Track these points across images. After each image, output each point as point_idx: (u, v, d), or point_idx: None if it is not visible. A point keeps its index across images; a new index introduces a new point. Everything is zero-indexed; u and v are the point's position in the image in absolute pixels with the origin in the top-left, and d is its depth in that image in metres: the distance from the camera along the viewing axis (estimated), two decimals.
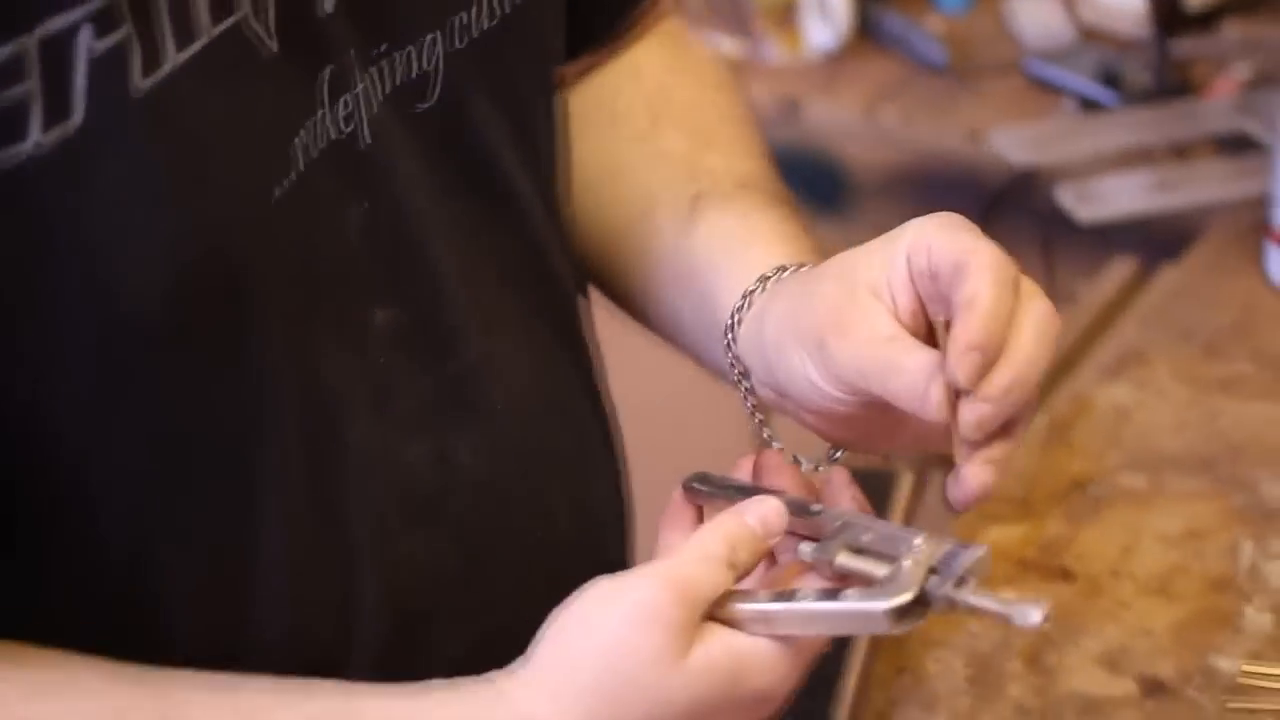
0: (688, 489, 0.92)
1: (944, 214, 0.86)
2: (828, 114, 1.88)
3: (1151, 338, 1.38)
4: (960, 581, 0.82)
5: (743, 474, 0.93)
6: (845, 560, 0.84)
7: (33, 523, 0.79)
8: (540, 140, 0.97)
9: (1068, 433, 1.28)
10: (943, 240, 0.84)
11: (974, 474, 0.84)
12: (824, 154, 1.89)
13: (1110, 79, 1.82)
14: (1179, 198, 1.62)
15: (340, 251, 0.85)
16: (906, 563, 0.82)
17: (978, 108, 1.85)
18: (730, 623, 0.83)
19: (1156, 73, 1.81)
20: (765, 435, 0.96)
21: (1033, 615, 0.81)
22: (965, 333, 0.81)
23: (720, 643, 0.82)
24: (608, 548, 1.03)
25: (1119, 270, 1.47)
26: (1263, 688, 1.08)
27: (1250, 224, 1.48)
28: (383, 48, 0.85)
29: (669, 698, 0.81)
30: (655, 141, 1.04)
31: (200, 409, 0.80)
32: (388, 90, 0.86)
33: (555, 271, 0.99)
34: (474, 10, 0.89)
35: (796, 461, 0.94)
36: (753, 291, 0.94)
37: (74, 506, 0.80)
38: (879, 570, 0.83)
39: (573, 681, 0.81)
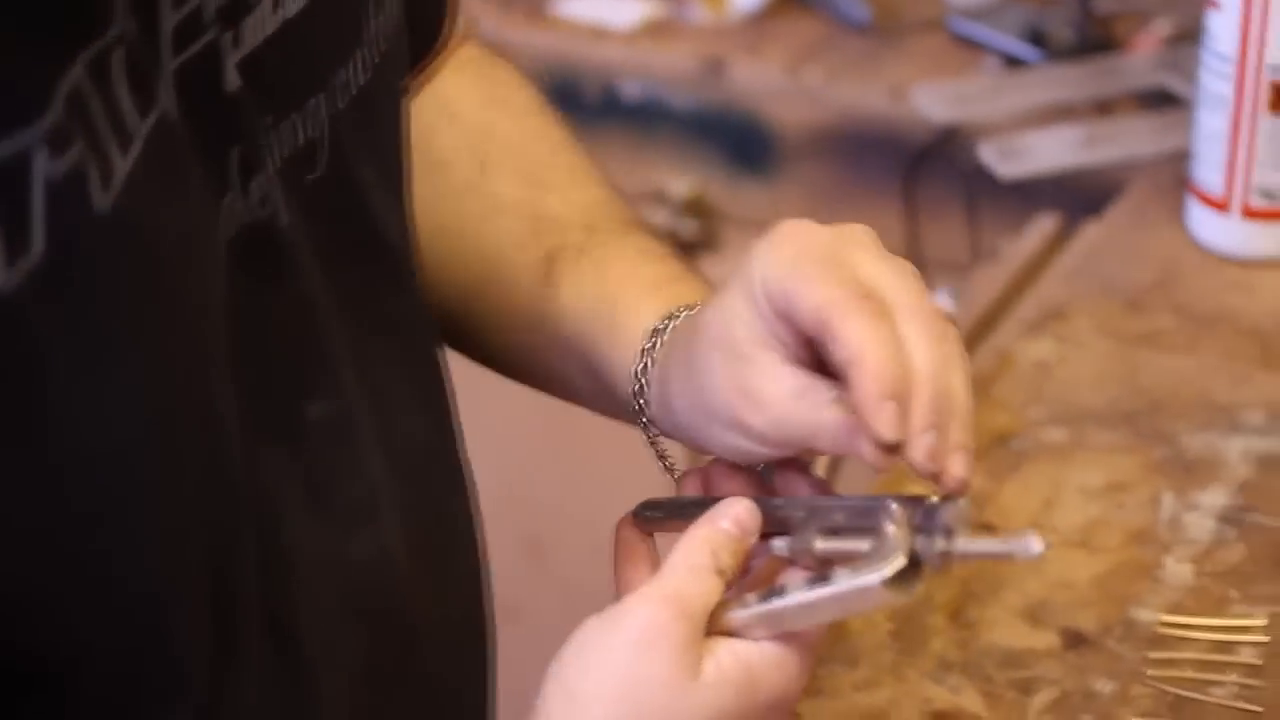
0: (638, 519, 0.91)
1: (786, 241, 0.82)
2: (752, 74, 1.88)
3: (1073, 293, 1.38)
4: (948, 534, 0.80)
5: (690, 490, 0.91)
6: (824, 545, 0.83)
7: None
8: (408, 197, 0.91)
9: (989, 388, 1.28)
10: (795, 292, 0.81)
11: (953, 473, 0.82)
12: (749, 115, 1.89)
13: (1033, 36, 1.82)
14: (1101, 153, 1.62)
15: (270, 346, 0.78)
16: (889, 529, 0.80)
17: (901, 66, 1.84)
18: (729, 633, 0.82)
19: (1079, 29, 1.81)
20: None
21: (1034, 546, 0.79)
22: (865, 397, 0.79)
23: (729, 653, 0.80)
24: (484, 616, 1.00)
25: (1041, 226, 1.48)
26: (1182, 638, 1.08)
27: (1172, 179, 1.49)
28: (270, 119, 0.78)
29: (693, 718, 0.79)
30: (488, 191, 0.99)
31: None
32: (279, 164, 0.78)
33: (433, 337, 0.94)
34: (352, 66, 0.83)
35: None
36: (648, 354, 0.91)
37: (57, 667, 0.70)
38: (862, 545, 0.81)
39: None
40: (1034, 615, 1.11)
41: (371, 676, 0.86)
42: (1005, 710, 1.05)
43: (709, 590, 0.81)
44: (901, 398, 0.79)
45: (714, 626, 0.81)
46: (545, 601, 1.57)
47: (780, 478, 0.89)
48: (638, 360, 0.92)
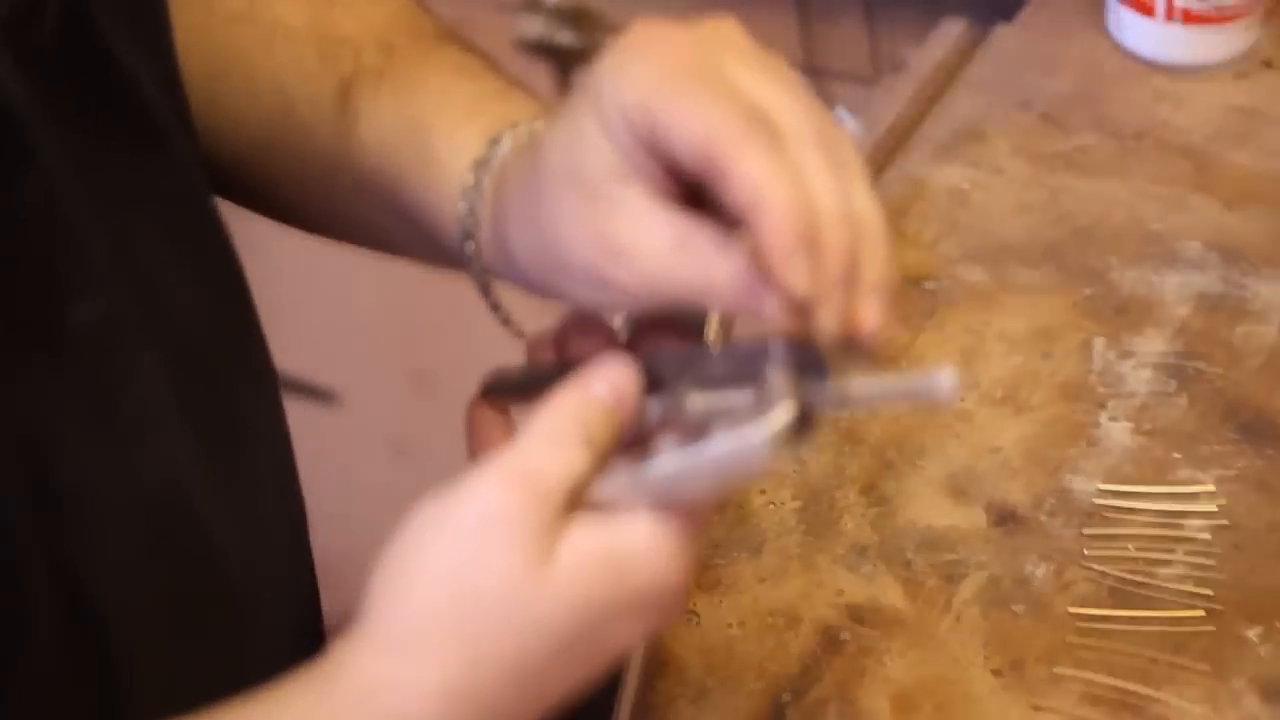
0: (489, 395, 0.78)
1: (643, 50, 0.69)
2: None
3: (987, 109, 1.25)
4: (842, 376, 0.68)
5: (542, 356, 0.78)
6: (700, 401, 0.71)
7: None
8: (165, 40, 0.78)
9: (900, 221, 1.15)
10: (667, 119, 0.67)
11: (866, 321, 0.68)
12: None
13: None
14: None
15: (12, 245, 0.68)
16: (773, 376, 0.67)
17: None
18: (599, 509, 0.69)
19: None
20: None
21: (944, 382, 0.67)
22: (774, 245, 0.66)
23: (588, 535, 0.68)
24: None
25: (948, 33, 1.33)
26: (1120, 511, 0.97)
27: None
28: None
29: (542, 614, 0.66)
30: (262, 16, 0.84)
31: None
32: None
33: (208, 202, 0.81)
34: None
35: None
36: (473, 193, 0.77)
37: None
38: (744, 398, 0.69)
39: (421, 626, 0.67)
40: (957, 488, 0.99)
41: (178, 622, 0.73)
42: (926, 600, 0.94)
43: (573, 465, 0.68)
44: (811, 245, 0.66)
45: (585, 506, 0.69)
46: (435, 438, 1.49)
47: (644, 336, 0.76)
48: (461, 200, 0.77)
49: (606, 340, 0.76)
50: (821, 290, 0.66)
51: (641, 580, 0.68)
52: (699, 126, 0.67)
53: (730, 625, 0.94)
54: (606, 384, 0.71)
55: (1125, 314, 1.08)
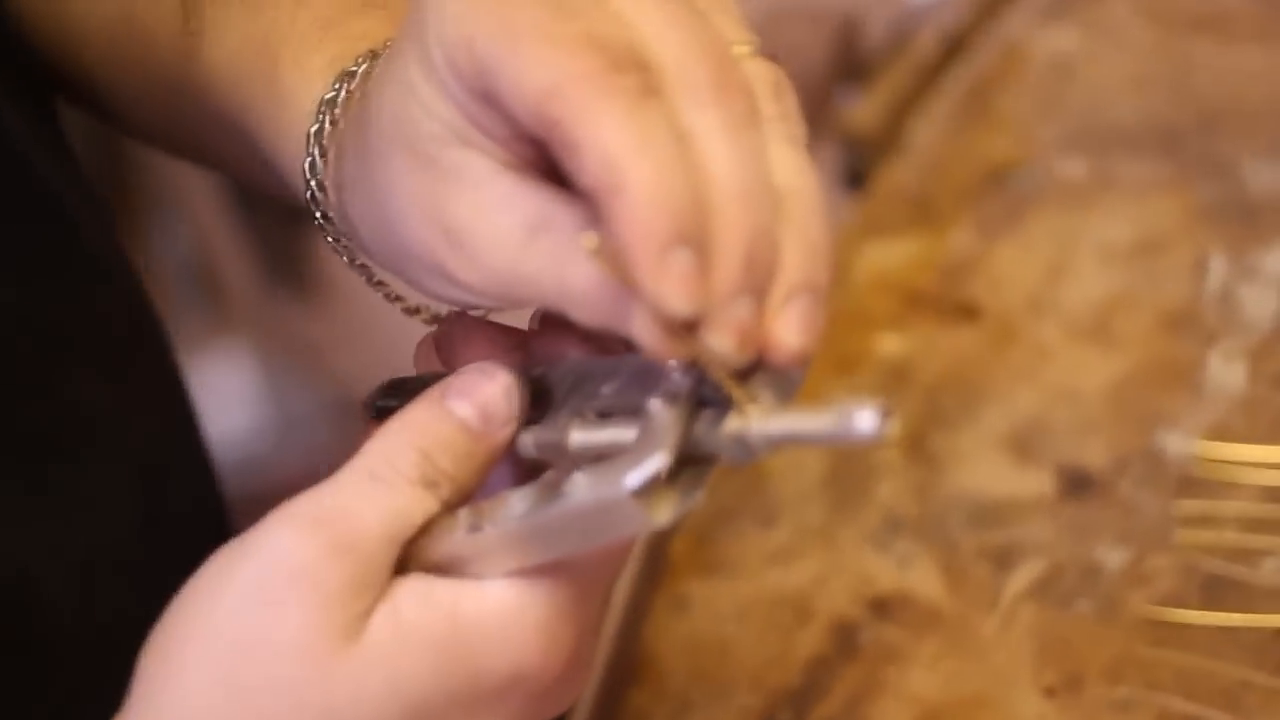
0: (376, 410, 0.61)
1: None
2: None
3: None
4: (745, 405, 0.50)
5: (426, 363, 0.61)
6: (582, 437, 0.54)
7: None
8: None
9: (989, 100, 0.96)
10: (497, 64, 0.50)
11: (782, 339, 0.50)
12: None
13: None
14: None
15: None
16: (654, 408, 0.51)
17: None
18: (440, 570, 0.53)
19: None
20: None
21: (864, 423, 0.47)
22: (635, 243, 0.48)
23: (417, 602, 0.52)
24: None
25: None
26: (1224, 482, 0.77)
27: None
28: None
29: (345, 704, 0.51)
30: None
31: None
32: None
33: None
34: None
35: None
36: (316, 140, 0.60)
37: None
38: (627, 435, 0.52)
39: (185, 706, 0.52)
40: (1021, 445, 0.80)
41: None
42: (970, 592, 0.76)
43: (401, 509, 0.52)
44: (695, 238, 0.48)
45: (423, 560, 0.53)
46: None
47: (539, 340, 0.59)
48: (306, 149, 0.60)
49: (505, 345, 0.59)
50: (710, 302, 0.48)
51: (493, 663, 0.52)
52: (536, 75, 0.49)
53: (726, 619, 0.77)
54: (470, 402, 0.54)
55: (1253, 223, 0.88)
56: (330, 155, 0.59)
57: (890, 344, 0.86)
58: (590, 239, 0.48)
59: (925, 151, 0.96)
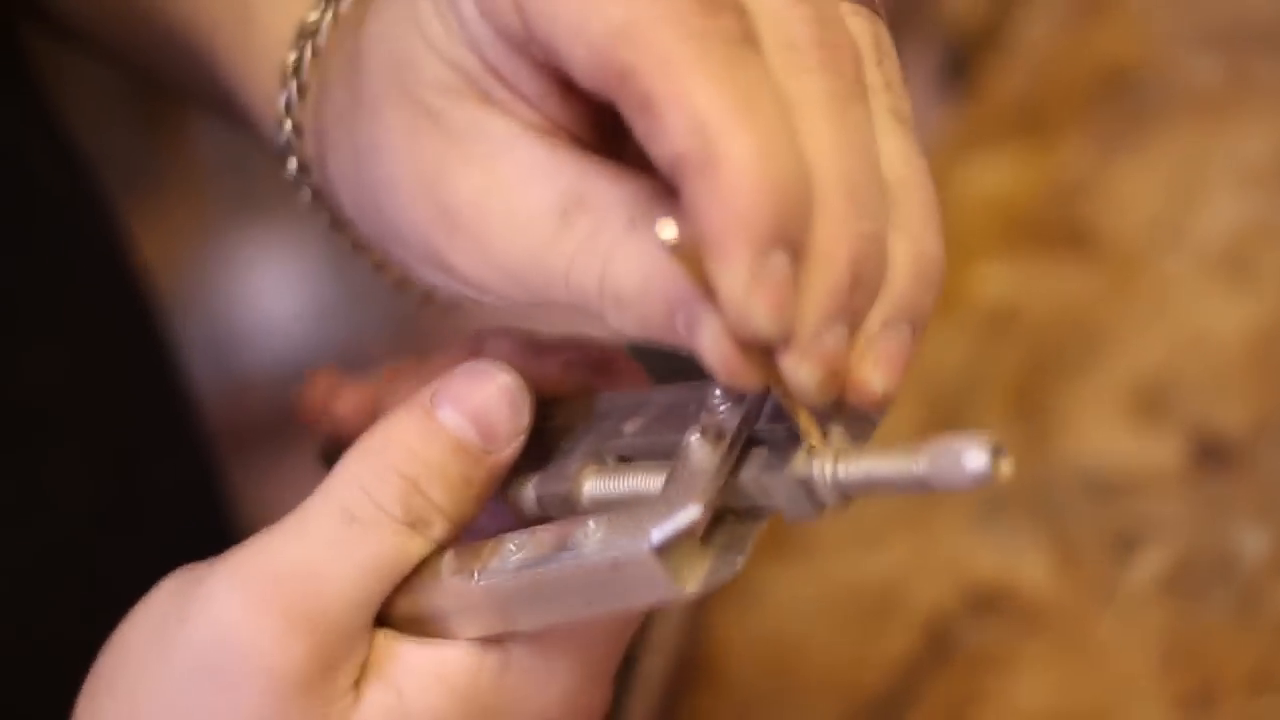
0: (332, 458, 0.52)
1: None
2: None
3: None
4: (816, 446, 0.40)
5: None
6: (598, 487, 0.44)
7: None
8: None
9: None
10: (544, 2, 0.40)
11: (869, 379, 0.40)
12: None
13: None
14: None
15: None
16: (694, 444, 0.41)
17: None
18: (414, 623, 0.45)
19: None
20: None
21: (971, 464, 0.37)
22: (721, 240, 0.38)
23: (424, 681, 0.43)
24: None
25: None
26: None
27: None
28: None
29: None
30: None
31: None
32: None
33: None
34: None
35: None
36: (291, 82, 0.49)
37: None
38: (656, 481, 0.43)
39: None
40: (1144, 403, 0.70)
41: None
42: (1085, 585, 0.66)
43: (383, 561, 0.43)
44: (798, 241, 0.39)
45: (394, 614, 0.44)
46: None
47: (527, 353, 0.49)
48: (282, 83, 0.50)
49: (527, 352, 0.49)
50: (800, 323, 0.39)
51: None
52: (606, 11, 0.39)
53: (798, 613, 0.67)
54: (464, 412, 0.44)
55: None
56: (311, 93, 0.48)
57: (990, 281, 0.76)
58: (669, 228, 0.37)
59: (1034, 50, 0.85)
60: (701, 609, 0.68)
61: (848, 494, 0.39)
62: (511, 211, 0.41)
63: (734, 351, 0.38)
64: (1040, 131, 0.81)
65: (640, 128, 0.39)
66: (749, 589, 0.68)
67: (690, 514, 0.39)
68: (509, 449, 0.44)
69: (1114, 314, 0.73)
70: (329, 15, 0.48)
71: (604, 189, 0.41)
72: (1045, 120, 0.81)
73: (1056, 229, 0.77)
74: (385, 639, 0.43)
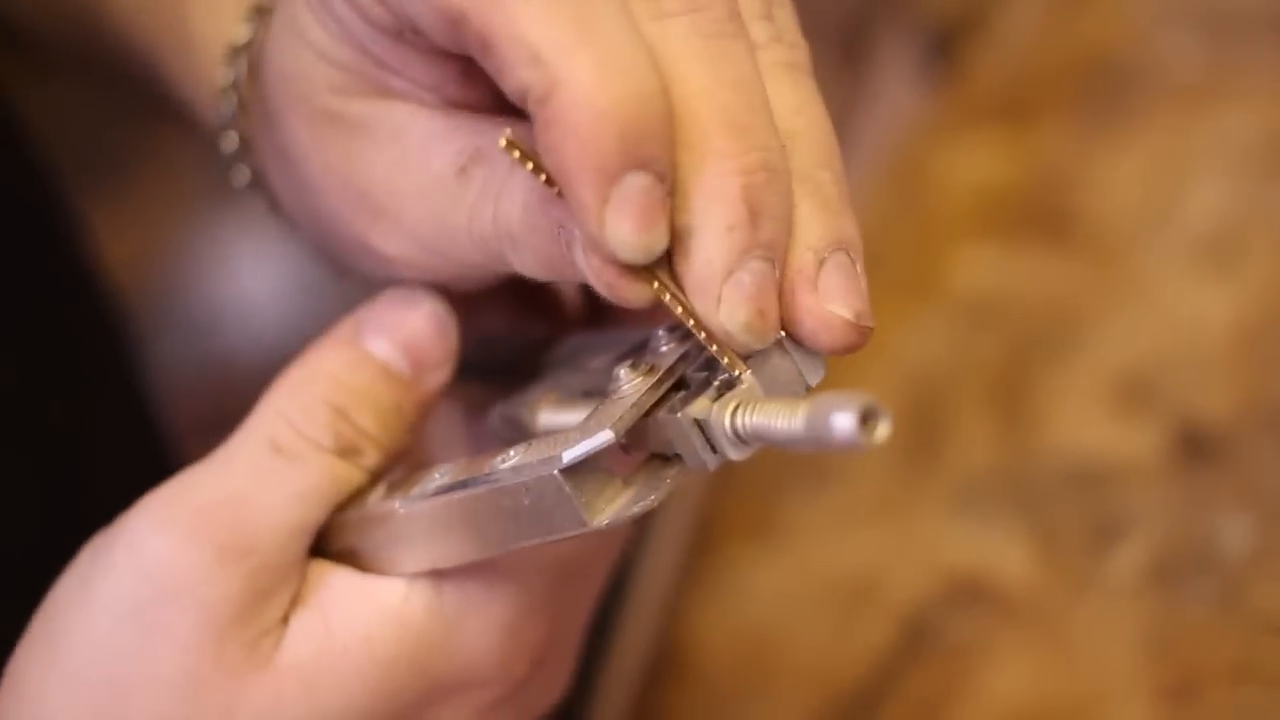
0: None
1: None
2: None
3: None
4: (727, 386, 0.40)
5: None
6: (551, 417, 0.45)
7: None
8: None
9: None
10: None
11: (827, 309, 0.40)
12: None
13: None
14: None
15: None
16: (623, 377, 0.41)
17: None
18: (353, 557, 0.44)
19: None
20: None
21: (841, 423, 0.37)
22: (575, 162, 0.37)
23: (353, 607, 0.43)
24: None
25: None
26: None
27: None
28: None
29: None
30: None
31: None
32: None
33: None
34: None
35: None
36: (232, 93, 0.49)
37: None
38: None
39: None
40: (1126, 392, 0.69)
41: None
42: (1064, 575, 0.65)
43: (313, 489, 0.44)
44: (662, 163, 0.38)
45: (332, 546, 0.45)
46: None
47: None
48: (223, 102, 0.50)
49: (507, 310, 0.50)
50: (705, 265, 0.39)
51: (444, 668, 0.44)
52: None
53: (773, 604, 0.66)
54: (391, 339, 0.45)
55: None
56: (245, 114, 0.48)
57: (971, 268, 0.74)
58: (504, 133, 0.38)
59: (1016, 36, 0.83)
60: (676, 599, 0.67)
61: (742, 440, 0.39)
62: (418, 182, 0.42)
63: (609, 267, 0.38)
64: (1022, 118, 0.80)
65: (490, 70, 0.39)
66: (723, 579, 0.67)
67: (602, 438, 0.39)
68: (438, 374, 0.45)
69: (1096, 302, 0.72)
70: (262, 30, 0.48)
71: (497, 139, 0.40)
72: (1027, 106, 0.80)
73: (1038, 216, 0.76)
74: (318, 568, 0.44)
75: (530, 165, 0.38)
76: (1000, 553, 0.66)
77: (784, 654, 0.65)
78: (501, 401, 0.46)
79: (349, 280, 0.50)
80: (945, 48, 0.85)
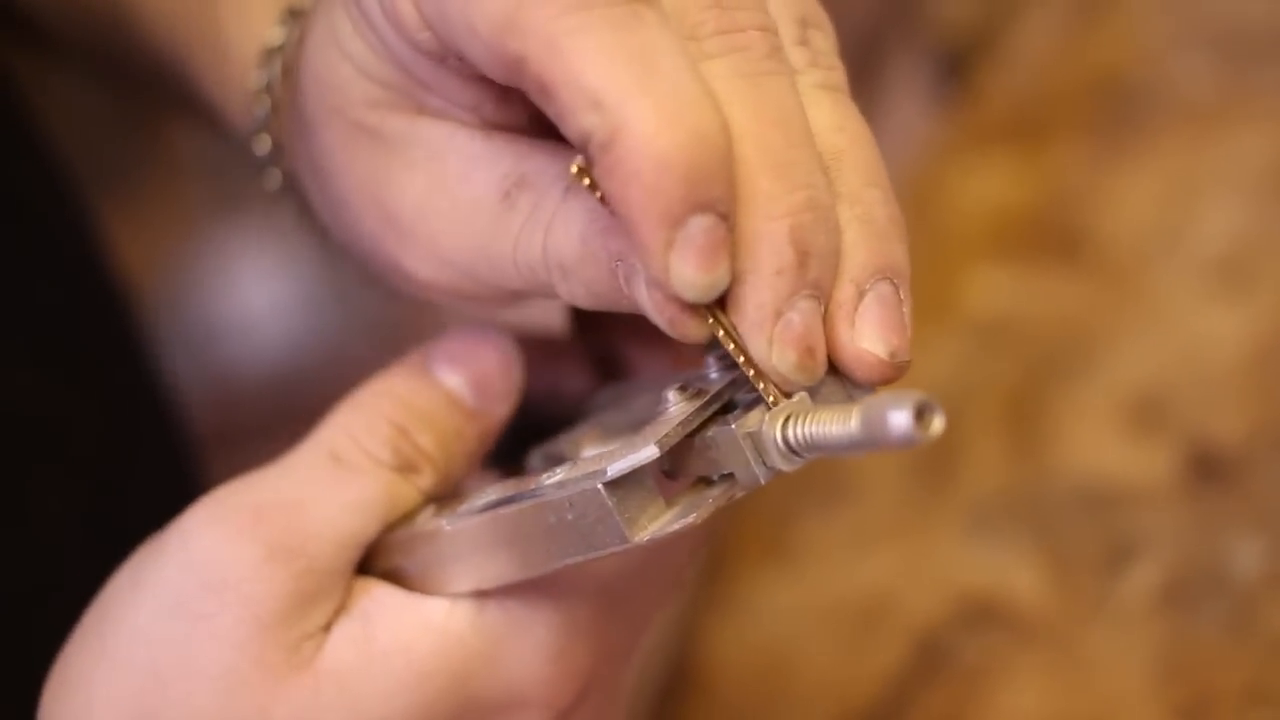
0: None
1: None
2: None
3: None
4: (770, 405, 0.40)
5: None
6: (595, 451, 0.45)
7: None
8: None
9: None
10: (445, 7, 0.40)
11: (861, 347, 0.40)
12: None
13: None
14: None
15: None
16: (671, 399, 0.42)
17: None
18: (404, 577, 0.45)
19: None
20: None
21: (898, 417, 0.37)
22: (639, 208, 0.37)
23: (397, 617, 0.43)
24: None
25: None
26: None
27: None
28: None
29: None
30: None
31: None
32: None
33: None
34: None
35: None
36: (264, 97, 0.49)
37: None
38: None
39: None
40: (1139, 414, 0.69)
41: None
42: (1077, 599, 0.64)
43: (368, 501, 0.44)
44: (724, 203, 0.38)
45: (382, 565, 0.45)
46: None
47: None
48: (256, 107, 0.50)
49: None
50: (756, 309, 0.39)
51: (486, 688, 0.44)
52: (484, 11, 0.39)
53: (788, 623, 0.66)
54: (461, 370, 0.46)
55: None
56: (278, 119, 0.48)
57: (984, 289, 0.74)
58: (577, 159, 0.38)
59: (1029, 57, 0.83)
60: (691, 618, 0.67)
61: (794, 451, 0.39)
62: (456, 205, 0.42)
63: (670, 303, 0.38)
64: (1034, 139, 0.80)
65: (550, 113, 0.39)
66: (739, 600, 0.67)
67: (647, 453, 0.40)
68: (502, 407, 0.45)
69: (1108, 323, 0.72)
70: (298, 33, 0.47)
71: (544, 166, 0.41)
72: (1039, 128, 0.80)
73: (1050, 237, 0.76)
74: (364, 583, 0.44)
75: (599, 195, 0.38)
76: (1013, 573, 0.66)
77: (798, 674, 0.65)
78: (544, 442, 0.46)
79: (376, 287, 0.50)
80: (957, 69, 0.85)
